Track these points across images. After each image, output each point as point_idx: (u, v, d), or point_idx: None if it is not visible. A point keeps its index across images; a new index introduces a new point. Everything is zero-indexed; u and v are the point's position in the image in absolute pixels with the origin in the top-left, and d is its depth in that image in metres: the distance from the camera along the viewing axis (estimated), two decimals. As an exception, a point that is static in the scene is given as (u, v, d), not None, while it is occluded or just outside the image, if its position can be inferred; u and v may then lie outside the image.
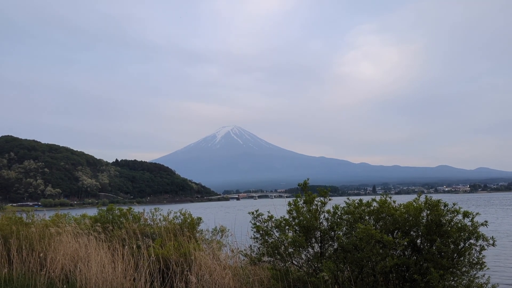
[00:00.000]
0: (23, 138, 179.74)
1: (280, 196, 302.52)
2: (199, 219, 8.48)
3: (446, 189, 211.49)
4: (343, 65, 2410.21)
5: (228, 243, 7.57)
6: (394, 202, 5.80)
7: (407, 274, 5.36)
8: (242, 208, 72.24)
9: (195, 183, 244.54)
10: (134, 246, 6.94)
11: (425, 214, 5.36)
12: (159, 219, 8.69)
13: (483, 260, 5.09)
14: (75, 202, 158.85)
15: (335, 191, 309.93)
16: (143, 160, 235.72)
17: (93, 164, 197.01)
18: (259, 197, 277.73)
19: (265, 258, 6.04)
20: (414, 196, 5.72)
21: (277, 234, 6.04)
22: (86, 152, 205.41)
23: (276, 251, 5.82)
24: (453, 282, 5.09)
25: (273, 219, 6.12)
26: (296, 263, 5.93)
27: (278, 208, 7.12)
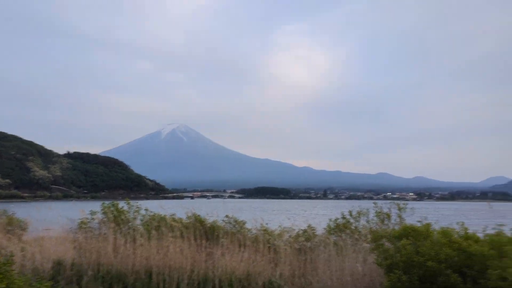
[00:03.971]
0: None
1: (232, 197, 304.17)
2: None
3: (394, 195, 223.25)
4: (275, 66, 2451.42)
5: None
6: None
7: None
8: (221, 207, 66.22)
9: (150, 180, 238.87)
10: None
11: None
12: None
13: None
14: (26, 195, 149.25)
15: (287, 193, 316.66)
16: (96, 154, 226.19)
17: (44, 155, 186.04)
18: (213, 196, 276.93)
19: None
20: (366, 202, 5.81)
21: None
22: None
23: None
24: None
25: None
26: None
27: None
